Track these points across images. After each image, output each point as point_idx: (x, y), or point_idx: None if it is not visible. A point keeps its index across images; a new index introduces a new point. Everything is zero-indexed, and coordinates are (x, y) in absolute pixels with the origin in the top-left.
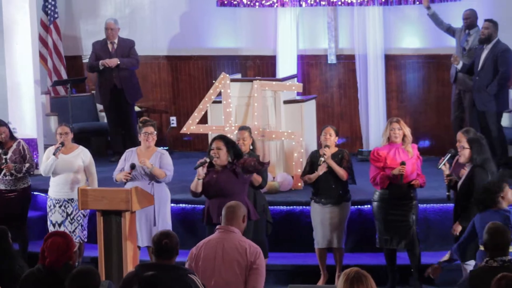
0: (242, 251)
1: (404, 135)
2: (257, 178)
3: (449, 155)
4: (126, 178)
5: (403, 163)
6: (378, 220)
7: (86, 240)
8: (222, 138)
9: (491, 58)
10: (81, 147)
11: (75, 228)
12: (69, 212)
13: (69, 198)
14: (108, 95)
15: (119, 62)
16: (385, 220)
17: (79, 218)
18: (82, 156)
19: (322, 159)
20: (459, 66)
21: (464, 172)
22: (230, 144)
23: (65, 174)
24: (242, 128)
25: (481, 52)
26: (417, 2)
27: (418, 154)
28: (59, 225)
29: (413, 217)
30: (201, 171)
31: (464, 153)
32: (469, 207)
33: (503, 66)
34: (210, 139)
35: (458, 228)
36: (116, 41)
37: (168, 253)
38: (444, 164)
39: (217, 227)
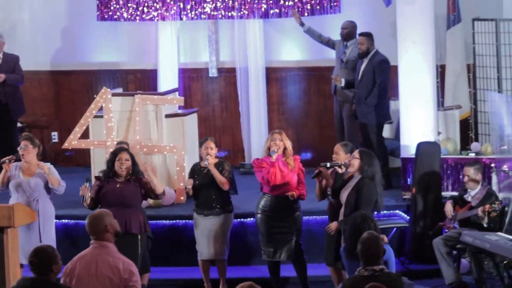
0: (115, 269)
1: (285, 148)
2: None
3: (324, 166)
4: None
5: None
6: (261, 232)
7: None
8: (127, 150)
9: (370, 69)
10: None
11: None
12: None
13: None
14: None
15: (5, 78)
16: (268, 233)
17: None
18: None
19: (206, 162)
20: (343, 84)
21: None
22: (132, 156)
23: None
24: (121, 143)
25: (360, 64)
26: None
27: (300, 166)
28: None
29: (296, 228)
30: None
31: (354, 163)
32: (354, 214)
33: (381, 77)
34: (92, 154)
35: (334, 226)
36: (1, 55)
37: (39, 270)
38: (328, 167)
39: (91, 241)
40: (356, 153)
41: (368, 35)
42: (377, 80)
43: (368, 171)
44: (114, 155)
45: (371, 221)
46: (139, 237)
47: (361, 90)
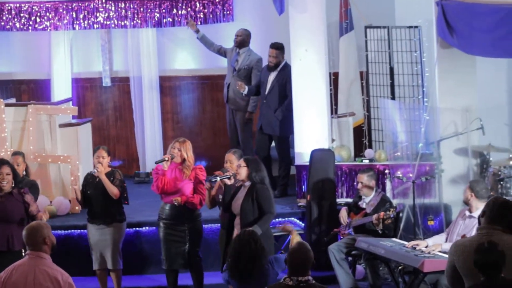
0: (54, 280)
1: (184, 158)
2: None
3: (211, 180)
4: None
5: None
6: (161, 241)
7: None
8: (7, 163)
9: (279, 82)
10: None
11: None
12: None
13: None
14: None
15: None
16: (166, 241)
17: None
18: None
19: (95, 171)
20: (245, 91)
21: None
22: (13, 169)
23: None
24: (16, 153)
25: (268, 75)
26: None
27: (200, 176)
28: None
29: (193, 237)
30: None
31: (241, 172)
32: (269, 218)
33: (291, 91)
34: None
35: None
36: None
37: None
38: (213, 182)
39: (27, 252)
40: (242, 162)
41: (280, 48)
42: (287, 94)
43: (257, 176)
44: None
45: (257, 240)
46: (23, 253)
47: (270, 102)
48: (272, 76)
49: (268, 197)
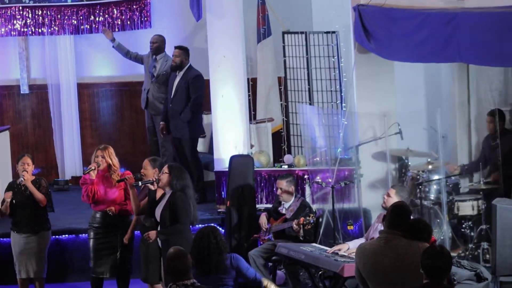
0: None
1: (109, 164)
2: None
3: (136, 184)
4: None
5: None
6: (90, 248)
7: None
8: None
9: (184, 84)
10: None
11: None
12: None
13: None
14: None
15: None
16: (96, 249)
17: None
18: None
19: (22, 179)
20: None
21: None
22: None
23: None
24: None
25: (174, 78)
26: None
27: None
28: None
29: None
30: None
31: (163, 178)
32: (178, 228)
33: (195, 92)
34: None
35: (152, 236)
36: None
37: None
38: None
39: None
40: (165, 168)
41: (183, 49)
42: (191, 96)
43: (178, 184)
44: None
45: (213, 237)
46: None
47: (175, 105)
48: (176, 80)
49: (183, 207)
